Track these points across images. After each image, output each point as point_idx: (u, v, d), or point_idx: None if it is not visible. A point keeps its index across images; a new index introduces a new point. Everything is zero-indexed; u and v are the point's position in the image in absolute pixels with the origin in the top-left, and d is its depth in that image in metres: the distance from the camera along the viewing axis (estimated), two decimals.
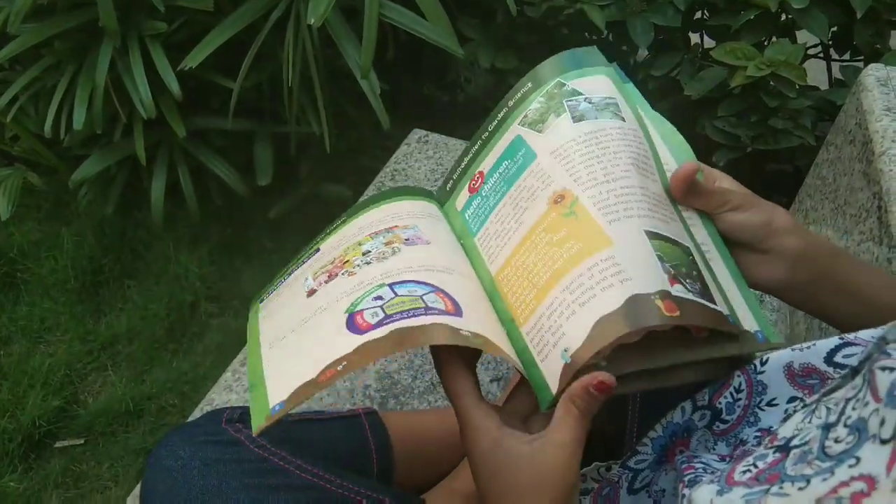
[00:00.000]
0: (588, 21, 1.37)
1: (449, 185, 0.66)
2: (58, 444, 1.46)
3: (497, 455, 0.44)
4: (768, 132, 1.32)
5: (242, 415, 0.66)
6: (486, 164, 0.63)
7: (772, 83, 1.27)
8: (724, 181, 0.55)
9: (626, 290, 0.46)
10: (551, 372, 0.48)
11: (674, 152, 0.58)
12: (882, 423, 0.30)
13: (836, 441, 0.33)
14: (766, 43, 1.38)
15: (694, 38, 1.50)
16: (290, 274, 0.66)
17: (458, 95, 2.04)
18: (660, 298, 0.46)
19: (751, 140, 1.33)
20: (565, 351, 0.47)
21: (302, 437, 0.67)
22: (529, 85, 0.62)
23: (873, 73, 0.89)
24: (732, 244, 0.53)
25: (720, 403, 0.47)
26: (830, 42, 1.44)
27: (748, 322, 0.50)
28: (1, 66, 1.64)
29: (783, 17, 1.37)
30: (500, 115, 0.64)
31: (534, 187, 0.56)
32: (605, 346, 0.45)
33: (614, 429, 0.67)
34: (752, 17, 1.32)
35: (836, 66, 1.48)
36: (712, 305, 0.47)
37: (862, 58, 1.43)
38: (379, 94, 1.32)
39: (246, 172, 1.62)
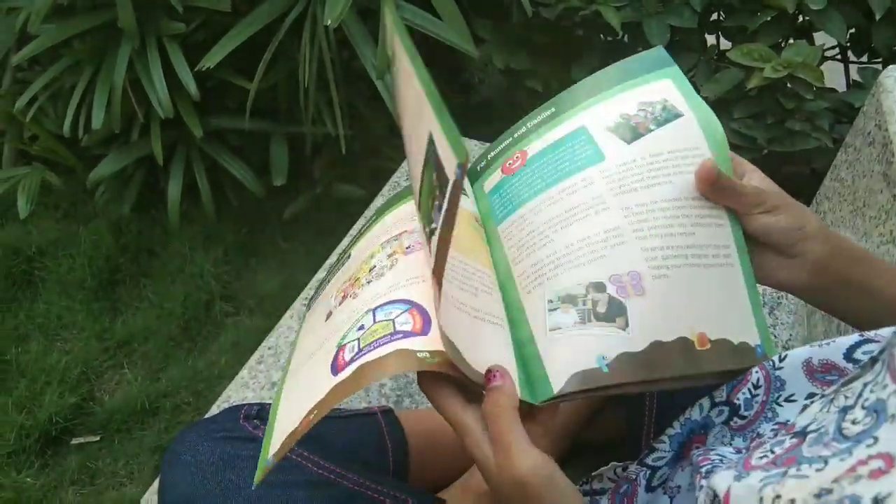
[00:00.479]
0: (603, 22, 1.36)
1: (482, 164, 0.64)
2: (74, 441, 1.48)
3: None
4: (785, 134, 1.31)
5: (260, 411, 0.67)
6: (535, 146, 0.60)
7: (788, 85, 1.26)
8: (754, 177, 0.54)
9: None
10: (556, 370, 0.49)
11: (712, 145, 0.56)
12: None
13: (854, 423, 0.33)
14: (782, 45, 1.37)
15: (710, 39, 1.49)
16: (328, 282, 0.65)
17: (471, 96, 2.05)
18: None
19: (767, 142, 1.33)
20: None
21: (320, 434, 0.67)
22: (594, 85, 0.61)
23: (893, 74, 0.88)
24: (757, 244, 0.53)
25: (738, 399, 0.47)
26: (848, 44, 1.43)
27: (752, 336, 0.50)
28: (20, 66, 1.65)
29: (800, 18, 1.37)
30: (558, 105, 0.62)
31: (593, 190, 0.55)
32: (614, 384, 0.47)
33: (631, 429, 0.67)
34: (768, 19, 1.32)
35: (853, 69, 1.47)
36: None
37: (880, 60, 1.42)
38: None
39: (261, 172, 1.63)
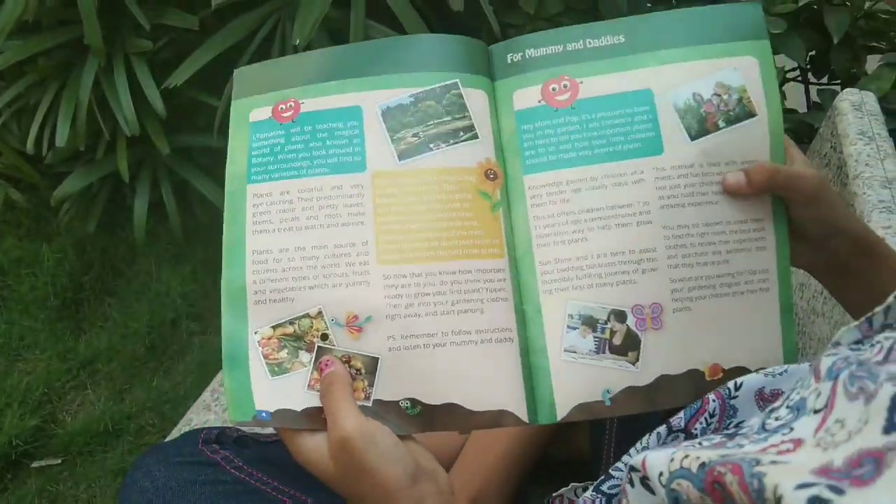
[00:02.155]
0: None
1: (515, 57, 0.53)
2: (35, 464, 1.44)
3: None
4: None
5: (219, 435, 0.66)
6: (590, 85, 0.52)
7: None
8: (798, 157, 0.52)
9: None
10: (563, 397, 0.49)
11: (773, 156, 0.51)
12: (818, 396, 0.31)
13: (776, 420, 0.35)
14: None
15: None
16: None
17: None
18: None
19: None
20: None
21: (279, 458, 0.67)
22: (677, 28, 0.53)
23: (848, 98, 0.90)
24: (794, 231, 0.51)
25: (696, 429, 0.47)
26: (808, 66, 1.47)
27: (776, 360, 0.49)
28: None
29: None
30: (630, 35, 0.53)
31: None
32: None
33: (595, 448, 0.67)
34: None
35: (813, 90, 1.50)
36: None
37: (839, 81, 1.46)
38: None
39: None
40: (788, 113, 1.41)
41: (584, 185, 0.50)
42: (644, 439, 0.49)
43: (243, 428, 0.69)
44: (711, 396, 0.47)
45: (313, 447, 0.44)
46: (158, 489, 0.60)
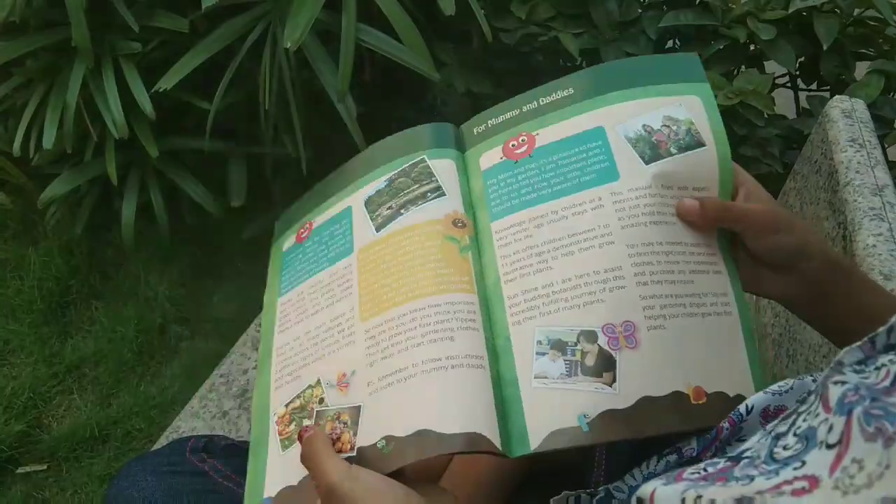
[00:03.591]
0: (562, 48, 1.38)
1: (480, 128, 0.58)
2: (20, 470, 1.42)
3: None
4: (738, 159, 1.34)
5: (207, 444, 0.65)
6: (545, 135, 0.55)
7: (741, 112, 1.30)
8: (761, 196, 0.52)
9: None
10: (536, 425, 0.47)
11: (721, 185, 0.53)
12: (830, 429, 0.30)
13: (785, 448, 0.34)
14: (735, 72, 1.41)
15: None
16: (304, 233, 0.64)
17: (434, 118, 2.05)
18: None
19: None
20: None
21: None
22: (620, 74, 0.56)
23: (838, 105, 0.91)
24: (755, 259, 0.52)
25: (706, 456, 0.46)
26: (798, 72, 1.48)
27: (748, 388, 0.48)
28: None
29: (752, 47, 1.41)
30: (577, 86, 0.57)
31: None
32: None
33: (583, 456, 0.67)
34: (721, 48, 1.35)
35: (803, 96, 1.51)
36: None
37: (828, 88, 1.46)
38: (355, 117, 1.32)
39: (219, 193, 1.61)
40: (778, 119, 1.41)
41: (546, 219, 0.53)
42: (651, 463, 0.48)
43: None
44: (725, 424, 0.45)
45: None
46: (145, 498, 0.59)
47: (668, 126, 0.54)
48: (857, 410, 0.29)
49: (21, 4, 1.26)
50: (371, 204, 0.59)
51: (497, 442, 0.46)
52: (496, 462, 0.67)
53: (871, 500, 0.26)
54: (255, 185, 1.61)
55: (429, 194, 0.56)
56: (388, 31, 1.29)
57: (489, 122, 0.58)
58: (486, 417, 0.47)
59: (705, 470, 0.38)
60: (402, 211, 0.56)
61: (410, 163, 0.59)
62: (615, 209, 0.51)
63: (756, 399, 0.45)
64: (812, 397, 0.35)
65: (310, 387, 0.53)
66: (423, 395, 0.47)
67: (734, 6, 1.39)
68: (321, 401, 0.52)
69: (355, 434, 0.49)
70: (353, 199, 0.61)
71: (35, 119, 1.43)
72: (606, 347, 0.48)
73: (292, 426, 0.52)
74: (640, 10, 1.44)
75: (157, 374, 1.58)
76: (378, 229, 0.57)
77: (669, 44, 1.50)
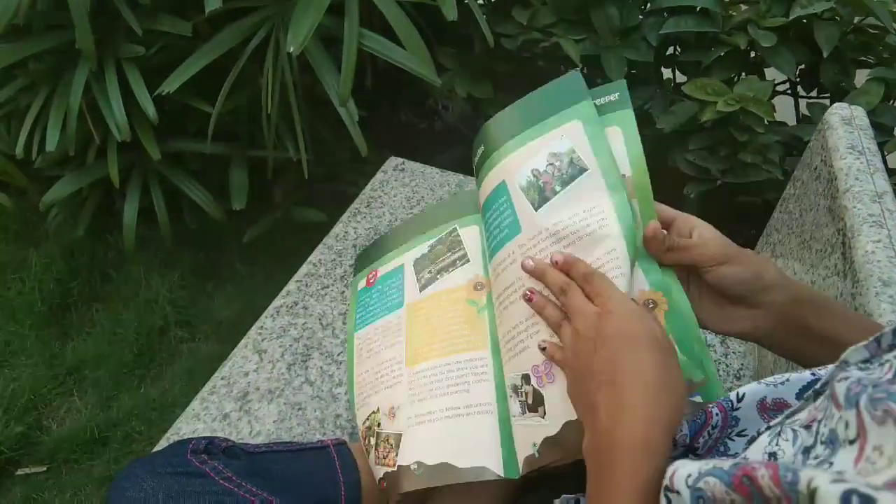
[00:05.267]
0: (563, 54, 1.39)
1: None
2: (20, 472, 1.42)
3: None
4: (738, 166, 1.35)
5: (208, 446, 0.65)
6: (482, 192, 0.66)
7: (741, 118, 1.30)
8: (704, 232, 0.54)
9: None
10: (518, 454, 0.58)
11: (641, 205, 0.57)
12: (847, 426, 0.31)
13: (816, 458, 0.34)
14: (735, 79, 1.41)
15: (666, 72, 1.53)
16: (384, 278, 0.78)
17: (435, 123, 2.06)
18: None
19: (721, 173, 1.36)
20: (534, 444, 0.56)
21: (270, 469, 0.66)
22: (511, 124, 0.63)
23: (838, 112, 0.91)
24: (717, 297, 0.54)
25: (699, 443, 0.47)
26: (798, 79, 1.48)
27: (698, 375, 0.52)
28: None
29: (752, 54, 1.41)
30: (487, 141, 0.66)
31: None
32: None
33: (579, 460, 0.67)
34: (722, 54, 1.36)
35: (803, 103, 1.52)
36: None
37: (828, 95, 1.47)
38: (357, 122, 1.33)
39: (220, 196, 1.61)
40: (779, 126, 1.42)
41: (493, 274, 0.64)
42: None
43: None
44: (714, 409, 0.46)
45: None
46: (146, 499, 0.59)
47: (552, 164, 0.59)
48: (863, 399, 0.30)
49: (25, 7, 1.27)
50: (417, 265, 0.74)
51: (500, 471, 0.58)
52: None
53: (889, 475, 0.26)
54: (256, 188, 1.61)
55: (458, 262, 0.70)
56: (391, 36, 1.29)
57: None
58: (491, 452, 0.59)
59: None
60: (437, 276, 0.71)
61: (446, 232, 0.74)
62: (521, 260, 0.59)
63: (749, 388, 0.45)
64: (824, 401, 0.35)
65: (373, 412, 0.68)
66: (445, 435, 0.61)
67: (735, 13, 1.40)
68: (378, 424, 0.66)
69: (397, 455, 0.62)
70: (405, 259, 0.76)
71: (38, 121, 1.43)
72: (537, 387, 0.56)
73: (371, 439, 0.66)
74: (640, 17, 1.45)
75: (157, 376, 1.58)
76: (421, 290, 0.71)
77: (670, 50, 1.51)
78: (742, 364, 1.00)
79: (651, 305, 0.53)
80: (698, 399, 0.52)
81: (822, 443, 0.34)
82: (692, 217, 0.57)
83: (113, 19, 1.37)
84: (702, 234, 0.55)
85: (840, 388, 0.32)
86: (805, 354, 0.54)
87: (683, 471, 0.35)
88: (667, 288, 0.54)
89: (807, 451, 0.35)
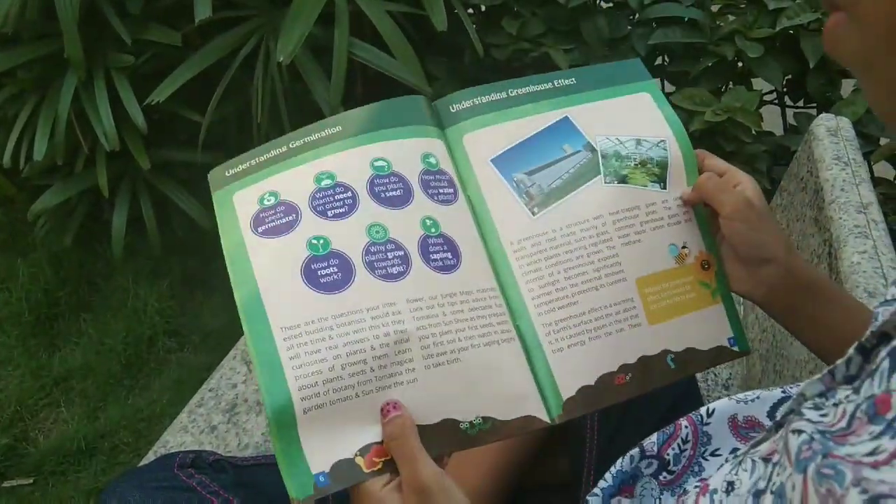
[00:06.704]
0: (552, 64, 1.40)
1: (461, 106, 0.59)
2: (5, 484, 1.41)
3: None
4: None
5: (195, 459, 0.65)
6: (528, 124, 0.60)
7: (729, 128, 1.31)
8: (748, 187, 0.55)
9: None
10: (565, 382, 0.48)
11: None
12: (793, 487, 0.31)
13: None
14: (723, 89, 1.42)
15: None
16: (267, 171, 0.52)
17: None
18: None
19: None
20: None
21: (258, 482, 0.66)
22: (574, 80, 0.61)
23: (824, 123, 0.92)
24: (729, 253, 0.56)
25: (668, 455, 0.47)
26: (785, 89, 1.50)
27: (725, 330, 0.55)
28: None
29: (739, 65, 1.42)
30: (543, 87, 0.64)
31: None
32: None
33: (572, 473, 0.67)
34: (709, 65, 1.37)
35: (790, 113, 1.53)
36: None
37: (815, 105, 1.48)
38: None
39: (210, 205, 1.60)
40: (766, 135, 1.43)
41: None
42: (618, 463, 0.49)
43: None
44: (684, 423, 0.47)
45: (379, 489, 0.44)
46: None
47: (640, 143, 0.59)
48: (811, 469, 0.29)
49: (14, 16, 1.27)
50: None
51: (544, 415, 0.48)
52: (500, 459, 0.67)
53: None
54: None
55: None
56: (381, 46, 1.30)
57: (474, 99, 0.61)
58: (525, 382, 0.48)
59: None
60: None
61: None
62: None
63: (719, 404, 0.46)
64: (780, 442, 0.35)
65: None
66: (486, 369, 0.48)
67: (722, 24, 1.41)
68: None
69: None
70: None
71: (26, 130, 1.43)
72: None
73: None
74: (629, 27, 1.46)
75: (145, 387, 1.57)
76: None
77: (658, 60, 1.52)
78: (731, 374, 1.00)
79: (706, 267, 0.56)
80: (737, 349, 0.55)
81: (772, 492, 0.34)
82: (740, 171, 0.57)
83: (102, 28, 1.37)
84: (745, 190, 0.55)
85: (793, 444, 0.32)
86: (801, 335, 0.55)
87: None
88: (715, 251, 0.57)
89: (758, 495, 0.35)
